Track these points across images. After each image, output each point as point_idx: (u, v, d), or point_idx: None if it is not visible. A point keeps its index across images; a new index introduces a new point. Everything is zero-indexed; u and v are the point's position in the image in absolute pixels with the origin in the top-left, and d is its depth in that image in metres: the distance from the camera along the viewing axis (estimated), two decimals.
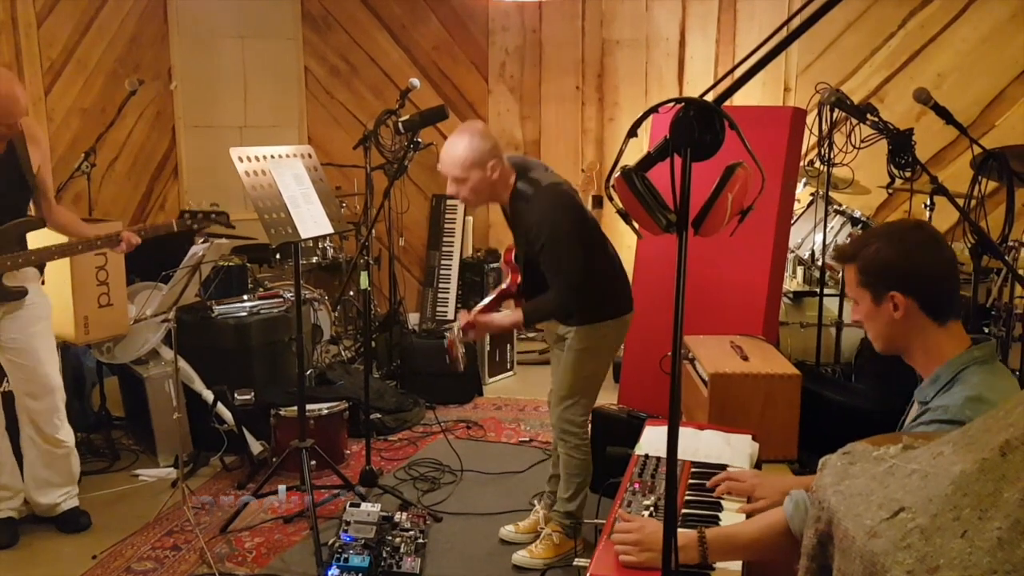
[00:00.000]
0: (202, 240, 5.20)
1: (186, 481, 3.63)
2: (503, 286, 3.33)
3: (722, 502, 2.16)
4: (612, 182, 1.41)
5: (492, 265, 6.13)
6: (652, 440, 2.49)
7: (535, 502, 3.62)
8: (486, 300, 3.29)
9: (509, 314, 3.22)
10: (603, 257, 3.20)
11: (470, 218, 6.43)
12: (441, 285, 6.41)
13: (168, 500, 3.67)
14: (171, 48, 5.98)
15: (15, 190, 3.26)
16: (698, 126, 1.31)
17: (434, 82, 6.23)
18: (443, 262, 6.43)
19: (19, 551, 3.39)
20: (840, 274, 4.59)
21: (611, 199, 1.42)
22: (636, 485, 2.21)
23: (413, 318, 6.25)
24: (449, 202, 6.47)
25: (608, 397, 4.65)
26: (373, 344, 5.23)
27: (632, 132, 1.39)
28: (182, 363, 4.02)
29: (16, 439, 3.53)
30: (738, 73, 1.38)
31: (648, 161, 1.39)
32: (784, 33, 1.32)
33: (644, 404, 3.83)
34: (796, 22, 1.28)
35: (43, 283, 3.54)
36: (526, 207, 3.05)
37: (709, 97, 1.33)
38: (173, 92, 5.96)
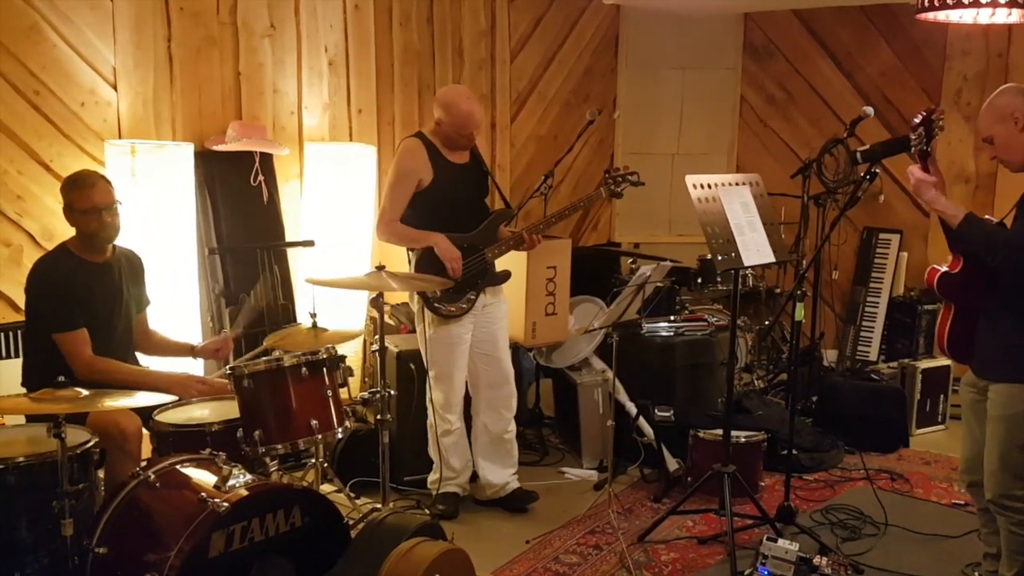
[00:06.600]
0: (631, 261, 5.49)
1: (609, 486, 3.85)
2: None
3: None
4: None
5: (927, 307, 5.64)
6: None
7: (973, 574, 3.29)
8: None
9: (954, 204, 2.89)
10: None
11: (904, 254, 6.00)
12: (865, 323, 6.07)
13: (595, 501, 3.94)
14: (618, 79, 6.40)
15: (483, 190, 3.91)
16: None
17: (877, 109, 5.91)
18: (869, 299, 6.07)
19: (466, 525, 3.80)
20: None
21: None
22: None
23: (830, 355, 5.99)
24: (882, 236, 6.10)
25: None
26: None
27: None
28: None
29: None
30: None
31: None
32: None
33: None
34: None
35: None
36: None
37: None
38: (615, 120, 6.37)
